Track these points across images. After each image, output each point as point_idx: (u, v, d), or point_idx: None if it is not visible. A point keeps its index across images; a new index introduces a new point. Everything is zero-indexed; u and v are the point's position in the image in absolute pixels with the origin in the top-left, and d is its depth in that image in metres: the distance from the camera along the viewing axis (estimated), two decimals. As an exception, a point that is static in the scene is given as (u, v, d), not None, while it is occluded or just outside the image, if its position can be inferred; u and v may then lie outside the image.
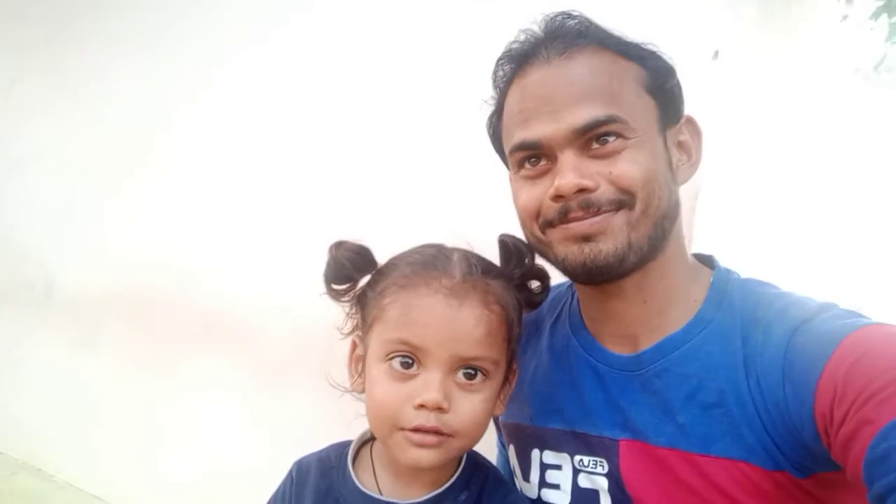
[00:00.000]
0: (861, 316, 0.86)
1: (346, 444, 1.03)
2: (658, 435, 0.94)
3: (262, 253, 1.76)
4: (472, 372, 0.88)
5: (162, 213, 1.96)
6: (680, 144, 0.99)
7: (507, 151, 1.02)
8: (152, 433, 1.81)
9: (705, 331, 0.95)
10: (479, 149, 1.35)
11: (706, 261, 1.04)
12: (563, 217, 0.92)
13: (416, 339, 0.86)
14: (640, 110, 0.93)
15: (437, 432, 0.85)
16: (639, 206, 0.90)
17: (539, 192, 0.95)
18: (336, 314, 1.44)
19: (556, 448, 1.07)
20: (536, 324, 1.18)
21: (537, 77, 0.96)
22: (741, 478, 0.87)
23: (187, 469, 1.73)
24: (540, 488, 1.08)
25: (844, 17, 5.33)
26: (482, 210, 1.46)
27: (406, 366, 0.87)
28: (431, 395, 0.83)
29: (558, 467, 1.07)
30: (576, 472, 1.04)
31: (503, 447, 1.32)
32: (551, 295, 1.16)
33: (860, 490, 0.74)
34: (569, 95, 0.92)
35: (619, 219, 0.91)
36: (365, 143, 1.72)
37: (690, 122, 1.01)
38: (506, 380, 0.96)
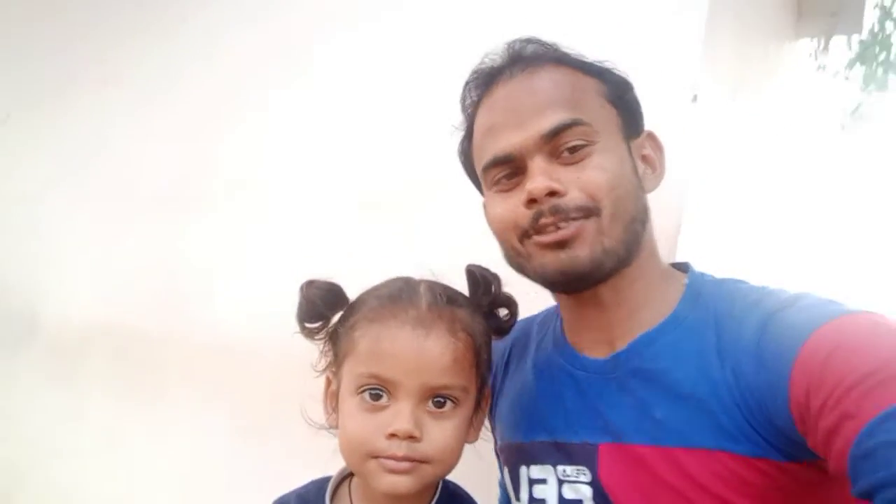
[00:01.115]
0: (838, 304, 0.84)
1: (326, 479, 1.03)
2: (638, 433, 0.93)
3: (250, 284, 1.76)
4: (442, 400, 0.89)
5: (149, 244, 1.96)
6: (644, 158, 1.02)
7: (479, 171, 1.05)
8: (130, 471, 1.77)
9: (679, 328, 0.95)
10: (441, 180, 1.40)
11: (681, 266, 1.06)
12: (536, 223, 0.94)
13: (384, 371, 0.87)
14: (603, 118, 0.97)
15: (408, 459, 0.86)
16: (606, 212, 0.92)
17: (513, 203, 0.97)
18: (312, 352, 1.43)
19: (541, 461, 1.06)
20: (525, 346, 1.19)
21: (503, 92, 1.00)
22: (722, 470, 0.86)
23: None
24: None
25: (821, 67, 5.54)
26: (448, 242, 1.50)
27: (376, 398, 0.88)
28: (402, 424, 0.85)
29: (543, 481, 1.06)
30: (560, 483, 1.03)
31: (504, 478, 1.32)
32: (539, 318, 1.17)
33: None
34: (533, 104, 0.95)
35: (591, 225, 0.92)
36: (330, 180, 1.74)
37: (651, 136, 1.04)
38: (478, 406, 0.97)
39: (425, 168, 1.56)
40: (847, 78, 6.12)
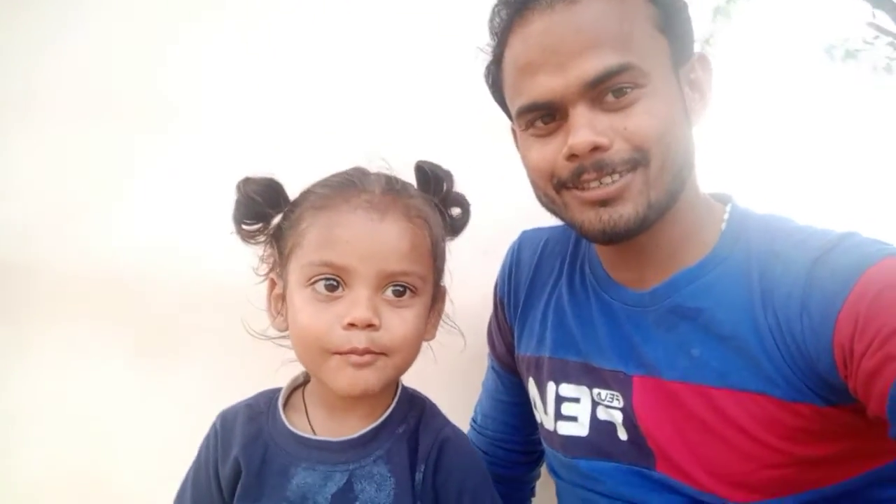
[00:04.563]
0: (885, 244, 0.82)
1: (276, 390, 0.96)
2: (671, 369, 0.91)
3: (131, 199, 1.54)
4: (401, 289, 0.83)
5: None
6: (692, 83, 0.94)
7: (512, 109, 0.95)
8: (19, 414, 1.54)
9: (720, 266, 0.92)
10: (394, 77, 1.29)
11: (722, 198, 1.01)
12: (577, 179, 0.87)
13: (338, 258, 0.80)
14: (653, 52, 0.87)
15: (369, 352, 0.80)
16: (655, 163, 0.86)
17: (551, 151, 0.89)
18: (236, 265, 1.31)
19: (575, 381, 1.04)
20: (557, 262, 1.15)
21: (540, 25, 0.87)
22: (758, 411, 0.84)
23: (61, 459, 1.49)
24: (556, 420, 1.06)
25: None
26: (399, 137, 1.39)
27: (331, 288, 0.81)
28: (360, 312, 0.79)
29: (576, 400, 1.04)
30: (594, 404, 1.01)
31: (499, 384, 1.30)
32: (559, 230, 1.13)
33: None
34: (576, 44, 0.84)
35: (638, 178, 0.86)
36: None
37: (702, 58, 0.96)
38: (434, 303, 0.92)
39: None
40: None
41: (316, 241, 0.84)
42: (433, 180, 0.95)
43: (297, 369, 0.96)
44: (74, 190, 1.55)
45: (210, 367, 1.48)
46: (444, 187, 0.96)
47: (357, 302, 0.81)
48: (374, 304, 0.82)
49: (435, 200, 0.94)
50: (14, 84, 1.57)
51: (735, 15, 6.58)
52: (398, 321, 0.84)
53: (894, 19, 5.14)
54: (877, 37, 5.57)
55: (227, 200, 1.32)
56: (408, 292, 0.86)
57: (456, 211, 0.99)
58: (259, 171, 0.92)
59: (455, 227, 0.99)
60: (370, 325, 0.81)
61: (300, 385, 0.98)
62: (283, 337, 0.92)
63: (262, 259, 0.95)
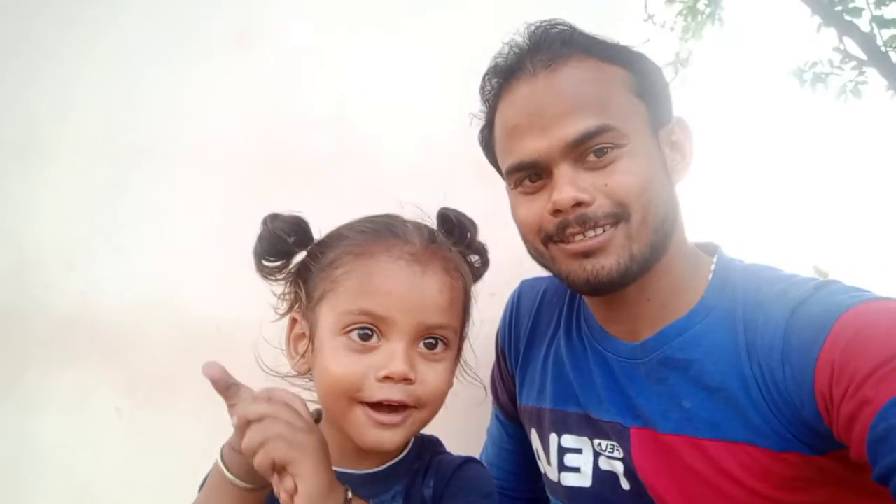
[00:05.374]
0: (862, 290, 0.85)
1: None
2: (665, 421, 0.94)
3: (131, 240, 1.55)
4: (434, 342, 0.84)
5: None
6: (673, 144, 0.99)
7: (502, 168, 1.00)
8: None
9: (708, 318, 0.95)
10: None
11: (708, 249, 1.04)
12: (562, 232, 0.91)
13: (378, 308, 0.80)
14: (631, 115, 0.92)
15: (403, 406, 0.80)
16: (636, 217, 0.90)
17: (538, 208, 0.94)
18: (230, 309, 1.31)
19: (576, 432, 1.06)
20: (554, 313, 1.18)
21: (525, 92, 0.93)
22: (748, 461, 0.86)
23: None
24: (559, 472, 1.08)
25: (649, 17, 5.94)
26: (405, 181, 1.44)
27: (365, 338, 0.81)
28: (398, 365, 0.78)
29: (578, 451, 1.06)
30: (596, 455, 1.03)
31: (503, 433, 1.31)
32: (557, 281, 1.15)
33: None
34: (558, 108, 0.90)
35: (620, 232, 0.90)
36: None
37: (681, 122, 1.01)
38: (459, 351, 0.93)
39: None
40: (672, 29, 6.65)
41: (355, 290, 0.83)
42: (458, 228, 0.95)
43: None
44: (72, 235, 1.55)
45: (203, 413, 1.47)
46: (469, 236, 0.97)
47: (394, 355, 0.80)
48: (411, 357, 0.82)
49: (461, 249, 0.95)
50: (13, 128, 1.57)
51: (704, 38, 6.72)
52: (433, 375, 0.84)
53: (860, 45, 5.31)
54: (844, 60, 5.74)
55: (222, 247, 1.34)
56: (440, 345, 0.86)
57: (474, 258, 0.99)
58: (283, 209, 0.91)
59: (476, 275, 0.99)
60: (406, 380, 0.81)
61: (315, 420, 0.97)
62: (295, 376, 0.92)
63: (280, 297, 0.93)
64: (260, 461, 0.69)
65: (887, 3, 5.20)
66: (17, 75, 1.60)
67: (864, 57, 5.39)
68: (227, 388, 0.76)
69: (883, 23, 5.20)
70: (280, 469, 0.69)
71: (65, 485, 1.49)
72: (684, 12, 6.14)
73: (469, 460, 0.93)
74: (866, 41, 5.25)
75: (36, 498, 1.48)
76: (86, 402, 1.50)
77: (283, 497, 0.69)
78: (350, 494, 0.74)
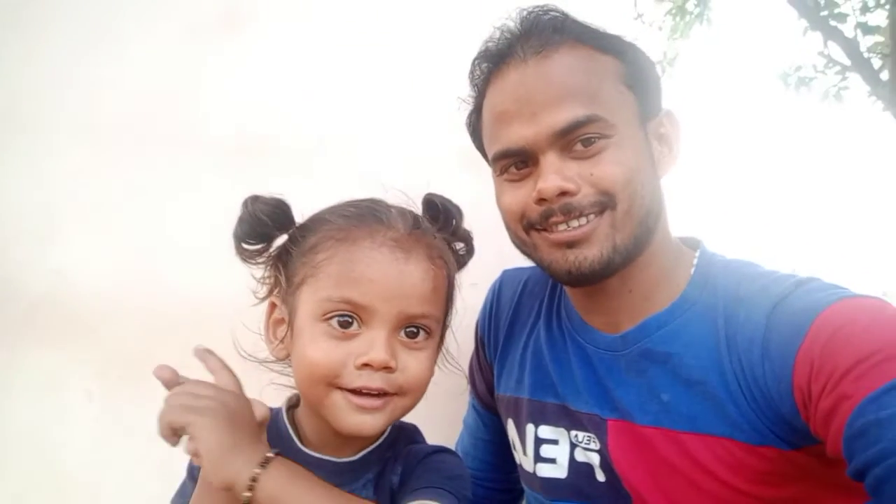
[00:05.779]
0: (841, 288, 0.86)
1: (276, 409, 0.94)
2: (643, 414, 0.94)
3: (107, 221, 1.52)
4: (415, 330, 0.83)
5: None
6: (660, 137, 0.99)
7: (488, 155, 0.99)
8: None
9: (689, 312, 0.95)
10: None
11: (690, 243, 1.04)
12: (546, 221, 0.91)
13: (360, 297, 0.79)
14: (619, 106, 0.92)
15: (382, 393, 0.79)
16: (621, 207, 0.89)
17: (522, 195, 0.93)
18: (209, 292, 1.30)
19: (553, 423, 1.06)
20: (535, 304, 1.17)
21: (515, 77, 0.92)
22: (725, 455, 0.87)
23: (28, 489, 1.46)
24: (535, 462, 1.08)
25: (639, 16, 5.97)
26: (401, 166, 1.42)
27: (345, 324, 0.80)
28: (379, 354, 0.78)
29: (554, 442, 1.06)
30: (573, 446, 1.03)
31: (480, 423, 1.30)
32: (539, 271, 1.12)
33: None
34: (547, 95, 0.89)
35: (604, 222, 0.90)
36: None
37: (670, 114, 1.01)
38: (441, 340, 0.92)
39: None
40: (660, 29, 6.69)
41: (336, 276, 0.81)
42: (443, 214, 0.94)
43: (270, 396, 0.94)
44: (47, 213, 1.52)
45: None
46: (454, 223, 0.95)
47: (374, 343, 0.80)
48: (391, 345, 0.81)
49: (445, 236, 0.94)
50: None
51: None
52: (414, 363, 0.83)
53: (844, 50, 5.39)
54: (828, 64, 5.82)
55: (201, 228, 1.31)
56: (422, 333, 0.85)
57: (459, 245, 0.97)
58: (263, 191, 0.89)
59: (460, 262, 0.97)
60: (387, 368, 0.80)
61: (293, 406, 0.96)
62: (273, 361, 0.91)
63: (260, 281, 0.91)
64: (160, 429, 0.73)
65: (872, 9, 5.27)
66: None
67: (847, 62, 5.46)
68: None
69: (867, 29, 5.27)
70: (181, 433, 0.73)
71: (35, 466, 1.46)
72: (673, 11, 6.19)
73: (441, 449, 0.93)
74: (850, 47, 5.32)
75: (6, 478, 1.45)
76: (58, 384, 1.47)
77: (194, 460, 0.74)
78: (271, 454, 0.75)
